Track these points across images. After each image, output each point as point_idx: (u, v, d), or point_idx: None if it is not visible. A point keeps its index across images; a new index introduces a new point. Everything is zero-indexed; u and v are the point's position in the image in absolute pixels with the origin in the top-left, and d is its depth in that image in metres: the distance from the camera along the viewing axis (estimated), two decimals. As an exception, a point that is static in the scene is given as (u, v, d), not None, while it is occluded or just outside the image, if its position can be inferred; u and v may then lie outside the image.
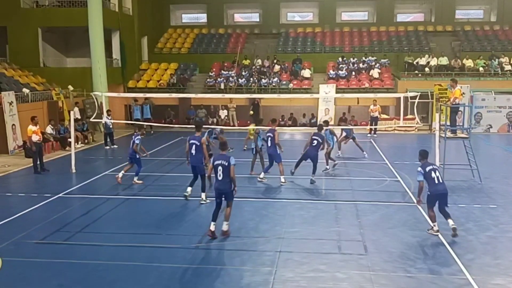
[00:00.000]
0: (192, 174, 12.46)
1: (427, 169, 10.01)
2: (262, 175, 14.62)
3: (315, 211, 11.79)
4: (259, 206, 12.29)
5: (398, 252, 9.16)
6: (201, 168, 12.27)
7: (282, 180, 14.27)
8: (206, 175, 10.33)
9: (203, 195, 12.33)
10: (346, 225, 10.74)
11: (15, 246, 9.56)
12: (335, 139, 17.01)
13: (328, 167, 16.11)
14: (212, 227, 9.74)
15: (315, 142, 14.43)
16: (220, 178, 9.69)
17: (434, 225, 10.09)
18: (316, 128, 15.22)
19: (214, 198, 9.91)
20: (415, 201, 10.62)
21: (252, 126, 18.08)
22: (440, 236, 9.93)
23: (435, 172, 9.99)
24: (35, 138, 16.12)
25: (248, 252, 9.26)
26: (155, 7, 35.33)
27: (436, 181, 9.94)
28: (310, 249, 9.35)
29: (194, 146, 12.20)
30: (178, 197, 12.83)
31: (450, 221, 9.95)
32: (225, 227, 9.86)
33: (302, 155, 14.68)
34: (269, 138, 14.42)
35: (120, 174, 14.48)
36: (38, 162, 16.25)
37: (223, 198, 9.85)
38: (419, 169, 10.07)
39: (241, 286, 7.87)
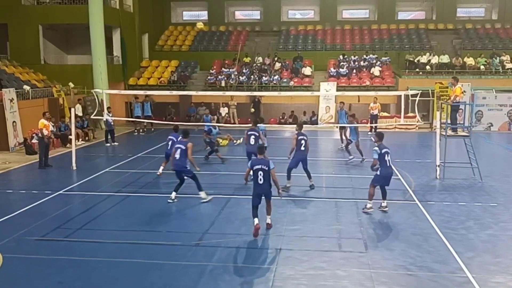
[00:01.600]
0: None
1: (383, 151, 11.00)
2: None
3: (315, 209, 11.80)
4: (259, 203, 12.27)
5: (399, 250, 9.17)
6: (187, 171, 11.98)
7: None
8: (244, 178, 10.51)
9: (202, 193, 12.26)
10: (347, 223, 10.75)
11: (15, 243, 9.57)
12: (356, 134, 17.25)
13: (364, 157, 16.81)
14: (256, 221, 9.70)
15: (303, 142, 13.26)
16: (260, 182, 9.68)
17: (369, 202, 11.35)
18: (297, 126, 14.14)
19: (252, 200, 9.83)
20: (370, 169, 11.46)
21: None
22: (440, 234, 9.94)
23: (388, 155, 11.01)
24: (44, 132, 16.42)
25: (248, 250, 9.27)
26: (156, 5, 35.29)
27: (388, 164, 11.01)
28: (310, 246, 9.36)
29: (179, 150, 11.82)
30: (179, 194, 12.82)
31: (384, 202, 11.33)
32: (268, 220, 10.19)
33: (291, 161, 13.42)
34: (252, 137, 14.13)
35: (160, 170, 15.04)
36: (43, 158, 16.42)
37: (262, 198, 9.88)
38: (376, 148, 11.07)
39: (242, 283, 7.88)
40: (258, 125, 15.23)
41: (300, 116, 28.69)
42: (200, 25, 15.45)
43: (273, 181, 9.77)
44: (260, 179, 9.66)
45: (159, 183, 14.47)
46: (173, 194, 12.24)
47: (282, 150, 15.76)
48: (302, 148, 13.25)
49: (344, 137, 19.26)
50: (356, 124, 17.63)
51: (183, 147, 11.83)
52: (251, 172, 9.91)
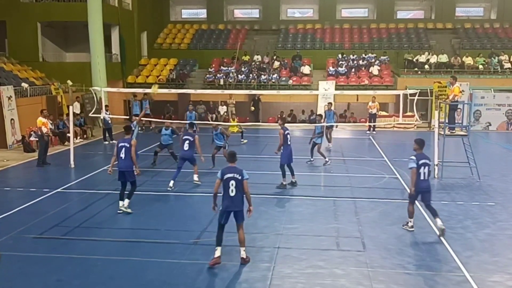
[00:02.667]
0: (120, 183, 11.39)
1: (420, 161, 9.76)
2: None
3: (313, 208, 11.81)
4: (257, 202, 12.24)
5: (397, 249, 9.18)
6: (132, 174, 11.12)
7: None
8: (213, 192, 8.44)
9: (126, 202, 11.23)
10: (345, 222, 10.76)
11: (13, 241, 9.56)
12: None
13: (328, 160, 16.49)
14: (218, 252, 8.29)
15: (288, 136, 13.37)
16: (232, 194, 8.21)
17: (410, 221, 10.14)
18: (281, 120, 14.10)
19: (219, 217, 8.42)
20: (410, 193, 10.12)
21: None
22: (438, 233, 9.94)
23: (424, 168, 9.78)
24: (43, 130, 16.41)
25: (246, 248, 9.24)
26: (155, 2, 35.25)
27: (422, 177, 9.78)
28: (308, 245, 9.36)
29: (123, 149, 10.92)
30: (176, 192, 12.84)
31: (438, 221, 9.77)
32: (243, 253, 8.42)
33: (282, 158, 13.32)
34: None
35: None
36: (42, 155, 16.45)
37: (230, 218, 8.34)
38: (413, 158, 9.82)
39: (240, 282, 7.88)
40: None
41: (299, 115, 28.72)
42: (154, 89, 15.38)
43: (245, 194, 8.29)
44: (232, 190, 8.19)
45: (157, 182, 14.45)
46: (121, 203, 11.25)
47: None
48: (289, 142, 13.42)
49: (328, 137, 19.46)
50: (322, 124, 17.43)
51: (127, 145, 11.00)
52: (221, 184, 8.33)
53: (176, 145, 16.97)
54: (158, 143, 16.54)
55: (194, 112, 22.45)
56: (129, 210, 11.24)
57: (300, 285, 7.74)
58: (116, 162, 11.21)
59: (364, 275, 8.06)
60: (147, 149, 19.50)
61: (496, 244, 9.58)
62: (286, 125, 13.97)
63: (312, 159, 16.84)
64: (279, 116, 16.12)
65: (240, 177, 8.26)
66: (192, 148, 13.40)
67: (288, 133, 13.40)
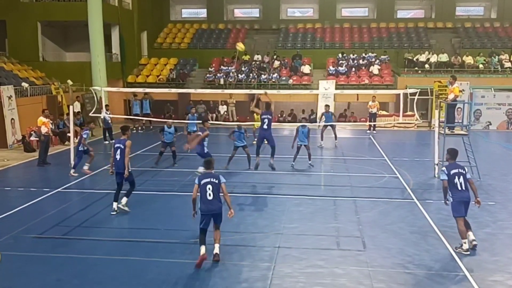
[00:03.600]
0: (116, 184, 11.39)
1: (452, 172, 9.10)
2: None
3: (314, 207, 11.81)
4: (257, 201, 12.31)
5: (397, 249, 9.18)
6: (129, 175, 11.15)
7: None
8: (192, 197, 8.57)
9: (124, 200, 11.24)
10: (345, 221, 10.76)
11: (13, 240, 9.57)
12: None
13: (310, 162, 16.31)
14: (203, 250, 8.37)
15: (266, 120, 14.39)
16: (210, 198, 8.39)
17: (464, 242, 8.93)
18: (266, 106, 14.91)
19: (200, 223, 8.51)
20: (443, 201, 9.48)
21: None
22: (438, 233, 9.96)
23: (459, 178, 9.07)
24: (43, 129, 16.34)
25: (246, 248, 9.28)
26: (155, 2, 35.22)
27: (459, 188, 9.04)
28: (308, 244, 9.36)
29: (119, 151, 11.03)
30: (176, 192, 12.84)
31: (471, 234, 9.10)
32: (217, 249, 8.57)
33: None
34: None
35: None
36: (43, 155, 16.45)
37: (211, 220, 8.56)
38: (443, 169, 9.37)
39: (240, 281, 7.88)
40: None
41: (299, 114, 28.69)
42: (240, 47, 15.51)
43: (225, 196, 8.52)
44: (209, 194, 8.37)
45: (157, 181, 14.45)
46: (114, 204, 11.22)
47: (280, 148, 15.72)
48: (265, 127, 14.15)
49: (326, 135, 20.28)
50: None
51: (122, 147, 11.08)
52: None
53: (178, 144, 17.02)
54: (160, 142, 16.53)
55: (196, 115, 21.97)
56: (126, 209, 11.20)
57: (300, 285, 7.74)
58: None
59: (364, 275, 8.06)
60: (147, 149, 19.51)
61: (496, 243, 9.58)
62: (286, 124, 14.11)
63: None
64: (256, 98, 16.30)
65: (217, 181, 8.46)
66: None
67: (265, 118, 13.88)
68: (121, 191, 11.36)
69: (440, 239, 9.63)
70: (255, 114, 17.64)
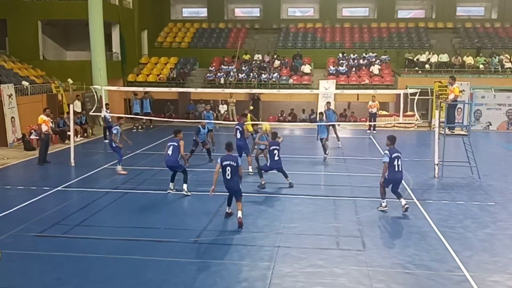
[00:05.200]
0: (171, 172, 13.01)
1: (393, 155, 10.93)
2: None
3: (313, 207, 11.82)
4: (257, 201, 12.32)
5: (396, 248, 9.19)
6: (180, 166, 12.80)
7: (250, 170, 15.01)
8: (214, 175, 10.41)
9: (185, 186, 12.75)
10: (345, 221, 10.77)
11: (14, 239, 9.57)
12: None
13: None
14: (228, 210, 10.76)
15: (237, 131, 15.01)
16: (228, 177, 10.22)
17: (383, 202, 11.34)
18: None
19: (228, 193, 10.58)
20: (380, 182, 11.35)
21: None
22: (438, 233, 9.96)
23: (397, 160, 10.93)
24: (44, 128, 16.38)
25: (246, 247, 9.28)
26: (156, 1, 35.21)
27: (396, 169, 10.95)
28: (308, 244, 9.37)
29: (172, 147, 12.62)
30: (177, 191, 12.84)
31: (403, 201, 11.12)
32: (240, 214, 10.26)
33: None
34: (238, 131, 15.00)
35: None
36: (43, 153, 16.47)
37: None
38: (386, 152, 11.02)
39: (239, 280, 7.89)
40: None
41: (299, 113, 28.71)
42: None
43: (239, 176, 10.31)
44: (228, 174, 10.19)
45: (158, 180, 14.45)
46: (171, 185, 12.98)
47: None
48: (276, 158, 13.37)
49: (336, 135, 19.91)
50: (325, 123, 17.71)
51: (176, 144, 12.63)
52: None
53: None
54: (193, 141, 16.62)
55: (211, 112, 21.00)
56: (188, 194, 12.63)
57: (300, 284, 7.75)
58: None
59: (364, 274, 8.07)
60: (147, 148, 19.52)
61: (496, 244, 9.58)
62: (286, 124, 14.08)
63: (326, 154, 17.22)
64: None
65: (235, 164, 10.19)
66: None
67: (274, 149, 13.41)
68: (175, 177, 12.85)
69: (439, 239, 9.64)
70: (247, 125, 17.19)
